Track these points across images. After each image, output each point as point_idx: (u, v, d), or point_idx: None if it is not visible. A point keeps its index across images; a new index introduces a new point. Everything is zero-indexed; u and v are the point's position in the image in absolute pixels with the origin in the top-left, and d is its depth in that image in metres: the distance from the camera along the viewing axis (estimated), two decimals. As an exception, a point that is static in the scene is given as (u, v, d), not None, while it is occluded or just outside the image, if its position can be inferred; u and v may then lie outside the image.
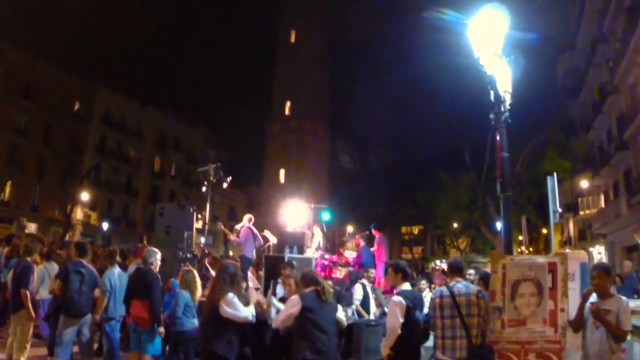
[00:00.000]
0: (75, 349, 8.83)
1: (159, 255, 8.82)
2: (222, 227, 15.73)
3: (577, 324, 5.99)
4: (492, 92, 7.43)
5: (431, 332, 6.76)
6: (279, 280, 9.41)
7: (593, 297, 5.89)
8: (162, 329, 8.18)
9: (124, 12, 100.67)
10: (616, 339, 5.67)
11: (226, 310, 6.34)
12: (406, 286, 6.94)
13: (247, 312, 6.52)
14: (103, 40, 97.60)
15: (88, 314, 8.19)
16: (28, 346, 8.69)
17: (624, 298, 5.84)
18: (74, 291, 7.86)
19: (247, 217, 14.91)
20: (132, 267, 10.41)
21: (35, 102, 51.93)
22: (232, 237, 14.95)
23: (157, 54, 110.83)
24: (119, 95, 61.04)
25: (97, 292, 8.37)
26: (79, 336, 8.24)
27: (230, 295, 6.45)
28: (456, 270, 7.03)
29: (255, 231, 14.45)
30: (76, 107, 57.27)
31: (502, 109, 7.41)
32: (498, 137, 7.44)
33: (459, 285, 6.70)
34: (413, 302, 6.68)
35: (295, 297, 6.69)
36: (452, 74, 30.77)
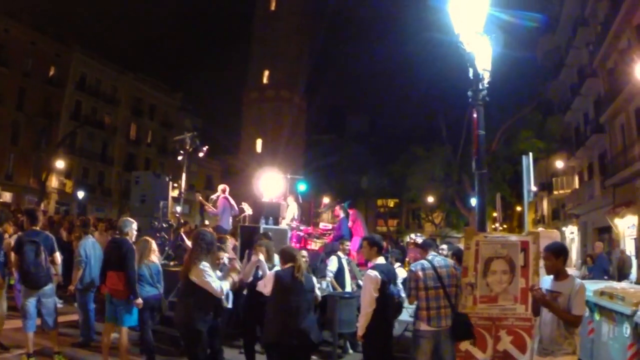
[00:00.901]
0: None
1: (134, 225, 8.56)
2: (200, 198, 15.74)
3: (536, 307, 5.87)
4: (470, 70, 7.48)
5: (408, 305, 6.89)
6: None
7: (549, 279, 5.75)
8: (139, 300, 7.93)
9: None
10: (567, 323, 5.43)
11: (196, 279, 6.33)
12: (381, 260, 7.02)
13: (217, 285, 6.42)
14: (79, 3, 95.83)
15: (48, 284, 7.94)
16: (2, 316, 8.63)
17: (577, 280, 5.61)
18: (29, 263, 7.63)
19: (221, 187, 14.94)
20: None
21: (8, 67, 50.60)
22: (210, 208, 14.97)
23: (133, 19, 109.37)
24: (95, 60, 59.94)
25: (55, 257, 8.08)
26: (39, 307, 8.01)
27: (204, 264, 6.41)
28: (429, 246, 7.30)
29: (232, 201, 14.48)
30: (51, 72, 55.95)
31: (480, 86, 7.47)
32: (475, 115, 7.50)
33: (438, 258, 6.98)
34: (388, 275, 6.79)
35: (270, 275, 6.78)
36: (433, 49, 30.81)
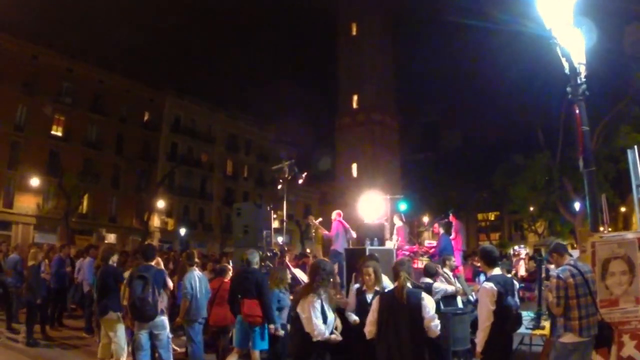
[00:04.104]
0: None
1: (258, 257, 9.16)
2: (314, 220, 15.74)
3: None
4: (566, 65, 7.18)
5: (555, 315, 6.53)
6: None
7: None
8: (272, 326, 8.40)
9: (184, 20, 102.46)
10: None
11: (301, 312, 6.21)
12: (496, 271, 6.61)
13: (321, 328, 6.23)
14: (168, 48, 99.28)
15: (156, 317, 8.16)
16: (126, 347, 8.82)
17: None
18: (136, 297, 7.87)
19: (336, 212, 14.94)
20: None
21: (105, 115, 53.58)
22: (324, 231, 15.00)
23: (221, 59, 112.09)
24: (187, 101, 62.20)
25: (167, 292, 8.44)
26: (153, 340, 8.29)
27: (314, 298, 6.24)
28: (565, 251, 6.91)
29: (346, 225, 14.44)
30: (146, 116, 58.83)
31: (579, 81, 7.15)
32: (577, 111, 7.18)
33: (580, 263, 6.55)
34: (505, 287, 6.34)
35: (375, 302, 6.52)
36: (521, 53, 30.09)
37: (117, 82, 54.92)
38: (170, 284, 8.80)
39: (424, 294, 6.25)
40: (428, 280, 8.93)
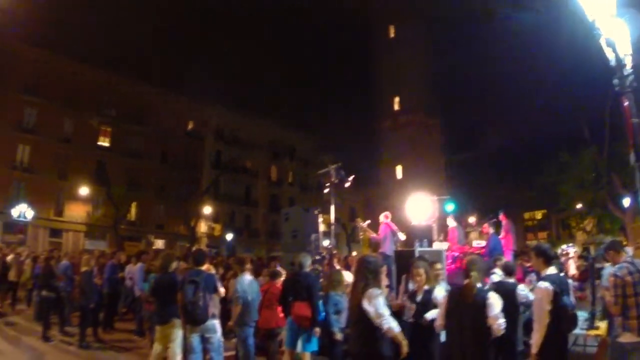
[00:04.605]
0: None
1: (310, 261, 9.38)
2: (362, 223, 15.68)
3: None
4: (612, 56, 7.02)
5: (613, 315, 6.37)
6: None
7: None
8: (317, 329, 8.60)
9: (222, 30, 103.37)
10: None
11: (367, 306, 5.96)
12: (551, 270, 6.42)
13: (391, 321, 5.97)
14: (208, 58, 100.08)
15: (207, 320, 8.26)
16: (180, 353, 8.89)
17: None
18: (187, 301, 7.99)
19: (384, 214, 14.88)
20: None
21: (149, 126, 54.95)
22: (371, 234, 14.95)
23: (260, 66, 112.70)
24: (230, 109, 62.88)
25: (218, 296, 8.48)
26: (204, 344, 8.40)
27: (376, 290, 6.05)
28: (621, 247, 6.79)
29: (394, 227, 14.37)
30: (190, 126, 60.21)
31: (625, 72, 6.99)
32: (626, 103, 7.01)
33: (636, 261, 6.35)
34: (560, 286, 6.17)
35: (444, 297, 6.51)
36: (560, 49, 29.62)
37: (158, 94, 56.39)
38: (222, 289, 8.83)
39: (491, 294, 6.15)
40: (510, 280, 8.73)
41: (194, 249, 10.58)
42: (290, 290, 8.93)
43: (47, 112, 48.08)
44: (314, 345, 8.75)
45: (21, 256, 19.79)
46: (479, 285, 6.16)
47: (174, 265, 9.44)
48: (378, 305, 5.91)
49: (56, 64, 49.12)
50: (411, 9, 73.48)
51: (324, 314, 9.00)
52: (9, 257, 18.82)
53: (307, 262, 9.20)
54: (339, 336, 8.51)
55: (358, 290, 6.18)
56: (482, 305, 6.00)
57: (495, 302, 6.06)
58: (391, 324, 5.87)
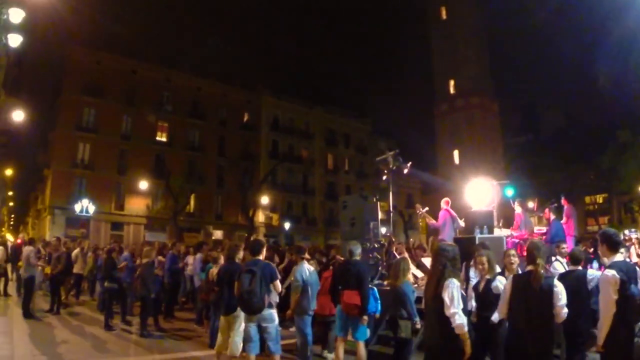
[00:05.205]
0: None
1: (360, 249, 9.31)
2: (421, 209, 15.45)
3: None
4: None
5: None
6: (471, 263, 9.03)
7: None
8: (366, 317, 8.55)
9: (273, 20, 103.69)
10: None
11: (445, 297, 5.64)
12: (618, 257, 6.07)
13: (463, 317, 5.64)
14: (258, 48, 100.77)
15: (263, 309, 8.15)
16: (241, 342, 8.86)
17: None
18: (244, 290, 7.92)
19: (444, 200, 14.68)
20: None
21: (205, 120, 56.50)
22: (431, 220, 14.76)
23: (311, 54, 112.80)
24: (283, 99, 63.69)
25: (276, 285, 8.33)
26: (262, 333, 8.30)
27: (454, 281, 5.74)
28: None
29: (454, 214, 14.15)
30: (245, 118, 61.11)
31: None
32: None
33: None
34: (627, 274, 5.81)
35: (508, 283, 6.27)
36: (617, 25, 28.68)
37: (213, 87, 57.76)
38: (278, 283, 8.72)
39: (556, 281, 5.96)
40: (577, 267, 8.43)
41: (251, 238, 10.62)
42: (340, 278, 8.94)
43: (106, 110, 50.03)
44: (365, 334, 8.73)
45: (85, 249, 20.23)
46: (545, 272, 5.93)
47: (241, 255, 9.45)
48: (453, 298, 5.65)
49: (112, 63, 50.96)
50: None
51: (377, 304, 9.07)
52: (75, 251, 19.21)
53: (358, 250, 9.13)
54: (418, 325, 8.28)
55: (436, 280, 5.90)
56: (549, 292, 5.81)
57: (561, 289, 5.87)
58: (463, 321, 5.60)
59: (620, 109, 45.61)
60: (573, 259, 8.51)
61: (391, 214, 14.67)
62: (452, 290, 5.64)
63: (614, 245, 6.18)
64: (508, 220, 15.49)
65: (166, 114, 54.04)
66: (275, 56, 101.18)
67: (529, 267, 6.05)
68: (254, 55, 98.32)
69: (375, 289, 9.51)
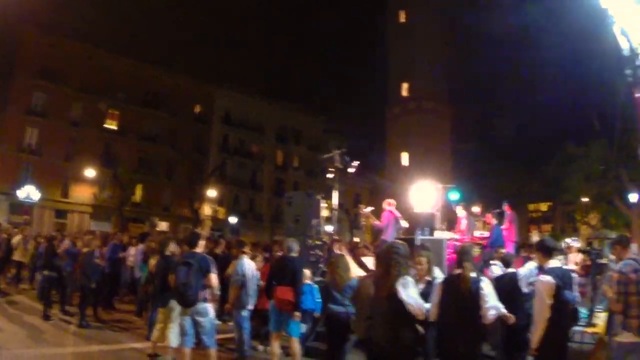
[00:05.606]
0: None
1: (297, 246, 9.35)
2: (364, 209, 15.56)
3: None
4: (626, 45, 6.87)
5: (614, 312, 6.26)
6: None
7: None
8: (298, 314, 8.65)
9: (229, 13, 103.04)
10: None
11: (403, 295, 5.73)
12: (554, 263, 6.37)
13: (419, 303, 5.80)
14: (214, 42, 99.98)
15: (198, 303, 8.14)
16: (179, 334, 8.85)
17: None
18: (180, 283, 7.95)
19: (387, 201, 14.81)
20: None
21: (158, 109, 55.86)
22: (375, 221, 14.89)
23: (268, 49, 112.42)
24: (237, 93, 63.17)
25: (211, 278, 8.27)
26: (196, 327, 8.27)
27: (408, 278, 5.89)
28: (629, 243, 6.61)
29: (398, 215, 14.30)
30: (197, 110, 60.60)
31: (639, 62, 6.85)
32: (638, 94, 6.87)
33: None
34: (562, 280, 6.11)
35: (438, 286, 6.33)
36: (574, 39, 29.28)
37: (167, 78, 56.97)
38: (213, 276, 8.68)
39: (483, 284, 6.03)
40: (511, 269, 8.68)
41: (191, 231, 10.53)
42: (275, 274, 9.02)
43: (57, 95, 49.15)
44: (297, 330, 8.85)
45: (27, 237, 19.89)
46: (472, 274, 6.08)
47: (172, 248, 9.44)
48: (413, 293, 5.78)
49: (66, 48, 49.94)
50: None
51: (319, 300, 9.07)
52: (16, 238, 18.93)
53: (295, 247, 9.17)
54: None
55: (389, 279, 5.90)
56: (476, 294, 5.91)
57: (488, 291, 5.98)
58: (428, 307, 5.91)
59: (570, 122, 46.66)
60: (504, 262, 8.79)
61: (336, 213, 14.80)
62: (410, 287, 5.76)
63: (547, 251, 6.47)
64: (452, 223, 15.74)
65: (119, 102, 53.25)
66: (233, 49, 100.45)
67: (457, 271, 6.20)
68: (211, 47, 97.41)
69: (316, 286, 9.57)
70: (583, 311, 9.15)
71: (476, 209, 15.98)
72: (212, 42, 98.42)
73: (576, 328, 8.12)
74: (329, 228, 16.36)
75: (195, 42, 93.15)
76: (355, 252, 15.72)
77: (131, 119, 54.04)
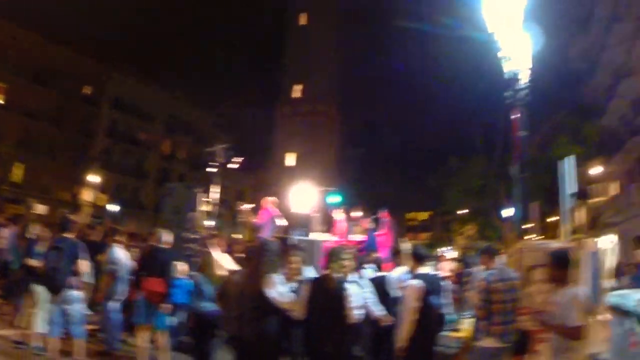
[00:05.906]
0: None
1: (170, 237, 9.33)
2: (244, 207, 15.52)
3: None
4: (506, 68, 7.15)
5: (478, 318, 6.49)
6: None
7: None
8: (167, 306, 8.62)
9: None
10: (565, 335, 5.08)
11: (272, 293, 5.86)
12: (424, 269, 6.64)
13: (286, 298, 6.01)
14: (114, 24, 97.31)
15: (65, 288, 7.96)
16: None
17: (578, 289, 5.33)
18: (49, 267, 7.85)
19: (265, 199, 14.79)
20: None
21: (47, 86, 52.96)
22: (253, 218, 14.85)
23: (165, 37, 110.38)
24: (130, 79, 61.58)
25: (81, 264, 8.14)
26: (64, 316, 8.07)
27: (278, 276, 6.06)
28: (495, 253, 6.89)
29: (277, 213, 14.31)
30: (88, 91, 58.34)
31: (520, 85, 7.14)
32: (515, 116, 7.17)
33: (507, 269, 6.52)
34: (431, 285, 6.36)
35: (305, 286, 6.39)
36: (464, 59, 30.32)
37: (62, 55, 54.30)
38: (84, 262, 8.44)
39: (347, 285, 6.16)
40: (381, 273, 8.99)
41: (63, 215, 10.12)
42: (145, 264, 8.91)
43: None
44: (164, 323, 8.78)
45: None
46: (338, 275, 6.17)
47: (36, 230, 9.15)
48: (281, 289, 5.91)
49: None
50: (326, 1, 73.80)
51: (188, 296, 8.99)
52: None
53: (166, 238, 9.09)
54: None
55: (258, 276, 6.00)
56: (340, 295, 6.02)
57: (353, 292, 6.12)
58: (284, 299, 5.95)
59: (454, 137, 48.29)
60: (377, 264, 9.11)
61: (215, 207, 14.71)
62: (278, 284, 5.89)
63: (419, 258, 6.75)
64: (331, 225, 15.91)
65: (6, 74, 49.95)
66: (132, 34, 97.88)
67: (325, 272, 6.29)
68: (111, 29, 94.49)
69: (191, 281, 9.43)
70: (453, 317, 9.45)
71: (357, 213, 16.21)
72: (112, 25, 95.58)
73: (443, 332, 8.35)
74: (210, 223, 16.23)
75: (94, 25, 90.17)
76: (233, 248, 15.66)
77: (18, 93, 50.90)
